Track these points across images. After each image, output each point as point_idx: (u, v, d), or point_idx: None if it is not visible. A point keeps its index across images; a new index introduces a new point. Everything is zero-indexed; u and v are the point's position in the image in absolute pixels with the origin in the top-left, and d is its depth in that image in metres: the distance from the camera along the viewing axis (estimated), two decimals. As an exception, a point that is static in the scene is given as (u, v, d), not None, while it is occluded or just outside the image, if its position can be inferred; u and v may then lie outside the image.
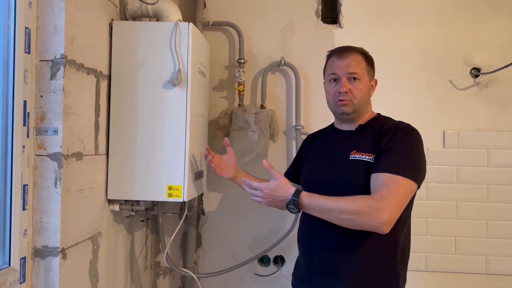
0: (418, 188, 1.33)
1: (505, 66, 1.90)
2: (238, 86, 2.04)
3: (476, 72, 2.04)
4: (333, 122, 1.57)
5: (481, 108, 2.05)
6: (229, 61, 2.14)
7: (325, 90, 1.50)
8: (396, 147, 1.32)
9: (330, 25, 2.12)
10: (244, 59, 2.05)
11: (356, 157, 1.38)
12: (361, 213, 1.23)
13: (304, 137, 2.08)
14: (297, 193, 1.30)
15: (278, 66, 2.07)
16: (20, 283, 1.23)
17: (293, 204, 1.30)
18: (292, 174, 1.68)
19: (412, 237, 1.87)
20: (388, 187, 1.25)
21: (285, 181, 1.33)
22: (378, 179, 1.28)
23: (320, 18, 2.12)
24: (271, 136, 2.06)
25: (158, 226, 1.80)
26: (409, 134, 1.37)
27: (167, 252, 1.82)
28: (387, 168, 1.28)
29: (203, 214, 2.16)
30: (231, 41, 2.14)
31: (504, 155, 2.02)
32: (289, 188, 1.31)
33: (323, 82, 1.52)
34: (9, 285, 1.18)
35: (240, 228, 2.14)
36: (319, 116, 2.10)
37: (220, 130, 2.07)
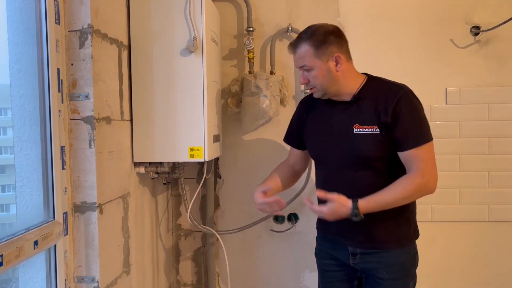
0: None
1: (504, 22, 1.98)
2: (248, 54, 2.13)
3: (476, 30, 2.12)
4: None
5: (481, 65, 2.14)
6: (238, 30, 2.23)
7: None
8: (407, 119, 1.44)
9: (335, -10, 2.19)
10: (252, 27, 2.13)
11: (360, 130, 1.49)
12: (415, 193, 1.45)
13: (313, 100, 2.20)
14: (355, 204, 1.41)
15: (286, 33, 2.16)
16: (64, 235, 1.36)
17: (355, 215, 1.41)
18: (294, 141, 1.75)
19: None
20: (422, 159, 1.43)
21: (342, 199, 1.42)
22: (409, 155, 1.44)
23: (324, -16, 2.19)
24: (281, 100, 2.16)
25: (180, 187, 1.92)
26: (409, 99, 1.47)
27: (189, 212, 1.95)
28: (413, 144, 1.43)
29: (220, 177, 2.29)
30: (239, 11, 2.22)
31: (504, 109, 2.12)
32: (348, 203, 1.42)
33: None
34: (55, 236, 1.30)
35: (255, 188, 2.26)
36: (326, 80, 2.20)
37: (232, 98, 2.18)
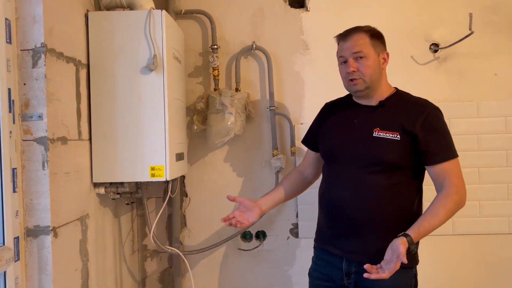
0: None
1: (460, 40, 2.04)
2: (213, 71, 2.12)
3: (435, 47, 2.18)
4: (349, 94, 1.66)
5: (441, 81, 2.19)
6: (203, 47, 2.22)
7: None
8: (439, 133, 1.49)
9: (297, 9, 2.22)
10: (217, 45, 2.14)
11: (380, 135, 1.49)
12: (455, 210, 1.45)
13: (279, 117, 2.21)
14: (408, 239, 1.34)
15: (250, 50, 2.17)
16: (15, 261, 1.31)
17: (414, 250, 1.37)
18: (312, 142, 1.74)
19: None
20: (454, 174, 1.47)
21: (394, 247, 1.34)
22: (442, 169, 1.47)
23: (287, 2, 2.21)
24: (247, 117, 2.16)
25: (143, 206, 1.88)
26: (439, 114, 1.53)
27: (153, 232, 1.91)
28: (445, 157, 1.47)
29: (186, 196, 2.25)
30: (203, 29, 2.22)
31: (465, 124, 2.17)
32: (400, 246, 1.32)
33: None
34: (5, 262, 1.25)
35: (222, 206, 2.23)
36: (291, 97, 2.21)
37: (198, 115, 2.16)
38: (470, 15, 1.94)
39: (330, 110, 1.70)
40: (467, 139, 2.18)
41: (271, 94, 2.17)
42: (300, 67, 2.21)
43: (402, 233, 1.37)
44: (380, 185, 1.48)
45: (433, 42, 2.18)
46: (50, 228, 1.36)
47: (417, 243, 1.45)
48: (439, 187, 1.47)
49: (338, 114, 1.65)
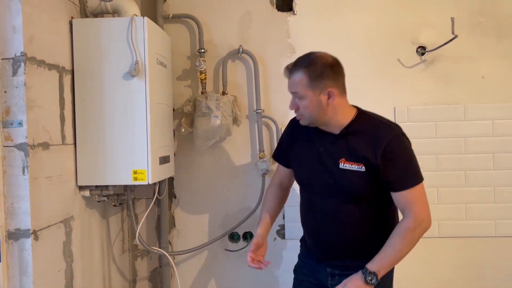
0: None
1: (446, 42, 2.04)
2: (200, 75, 2.15)
3: (422, 50, 2.18)
4: None
5: (428, 84, 2.19)
6: (191, 51, 2.25)
7: None
8: (398, 162, 1.44)
9: (284, 12, 2.23)
10: (204, 49, 2.16)
11: (346, 166, 1.48)
12: (414, 237, 1.44)
13: (266, 120, 2.23)
14: (367, 278, 1.41)
15: (237, 53, 2.19)
16: (-4, 263, 1.36)
17: (375, 283, 1.43)
18: (283, 160, 1.73)
19: None
20: (413, 202, 1.44)
21: (347, 285, 1.44)
22: (401, 197, 1.45)
23: (274, 6, 2.23)
24: (234, 120, 2.19)
25: (129, 208, 1.92)
26: (400, 141, 1.47)
27: (139, 233, 1.95)
28: (404, 185, 1.44)
29: (175, 197, 2.29)
30: (192, 33, 2.25)
31: (451, 126, 2.17)
32: (362, 283, 1.42)
33: None
34: (-15, 264, 1.30)
35: (210, 208, 2.27)
36: (278, 100, 2.23)
37: (185, 118, 2.19)
38: (452, 20, 1.95)
39: (298, 130, 1.64)
40: (454, 142, 2.18)
41: (258, 97, 2.19)
42: (287, 70, 2.22)
43: (364, 269, 1.43)
44: (354, 214, 1.51)
45: (420, 45, 2.18)
46: (31, 231, 1.41)
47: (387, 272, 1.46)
48: (402, 214, 1.48)
49: (305, 136, 1.62)
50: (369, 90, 2.19)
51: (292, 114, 2.19)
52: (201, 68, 2.12)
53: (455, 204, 2.20)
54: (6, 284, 1.40)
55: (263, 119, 2.21)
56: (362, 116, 1.53)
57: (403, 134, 1.50)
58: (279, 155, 1.75)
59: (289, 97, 2.18)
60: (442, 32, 2.14)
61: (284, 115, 2.22)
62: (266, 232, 1.70)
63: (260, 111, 2.18)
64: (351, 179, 1.48)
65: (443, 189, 2.19)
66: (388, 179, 1.45)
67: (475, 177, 2.18)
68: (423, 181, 1.47)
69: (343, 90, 1.50)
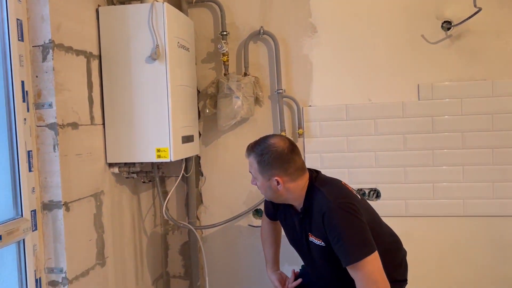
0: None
1: (471, 16, 1.98)
2: (222, 57, 2.22)
3: (447, 25, 2.12)
4: None
5: (453, 60, 2.14)
6: (214, 34, 2.33)
7: None
8: (334, 233, 1.45)
9: (306, -8, 2.25)
10: (226, 31, 2.23)
11: (313, 240, 1.57)
12: None
13: (288, 100, 2.28)
14: None
15: (258, 35, 2.24)
16: (33, 230, 1.52)
17: None
18: (273, 216, 1.85)
19: (392, 185, 2.13)
20: (358, 278, 1.42)
21: None
22: (350, 273, 1.45)
23: (296, -15, 2.25)
24: (256, 101, 2.25)
25: (155, 184, 2.05)
26: (333, 215, 1.45)
27: (166, 208, 2.08)
28: (346, 260, 1.44)
29: (202, 175, 2.40)
30: (215, 16, 2.32)
31: (477, 103, 2.12)
32: None
33: None
34: (22, 231, 1.46)
35: (235, 185, 2.36)
36: (300, 79, 2.26)
37: (210, 99, 2.28)
38: (475, -8, 1.88)
39: None
40: (481, 119, 2.12)
41: (279, 78, 2.23)
42: (308, 50, 2.25)
43: None
44: (336, 272, 1.53)
45: (445, 20, 2.13)
46: (62, 203, 1.55)
47: None
48: None
49: (284, 208, 1.71)
50: (392, 67, 2.18)
51: (315, 94, 2.24)
52: (223, 50, 2.19)
53: (479, 183, 2.15)
54: (43, 250, 1.56)
55: (284, 99, 2.26)
56: (311, 191, 1.57)
57: (339, 207, 1.46)
58: (268, 213, 1.88)
59: (310, 77, 2.25)
60: (468, 6, 2.06)
61: (305, 94, 2.26)
62: (278, 264, 1.89)
63: (281, 91, 2.22)
64: (319, 252, 1.56)
65: (469, 167, 2.15)
66: (337, 254, 1.47)
67: (506, 154, 2.12)
68: (373, 254, 1.40)
69: (296, 176, 1.55)
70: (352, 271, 1.44)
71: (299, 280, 1.82)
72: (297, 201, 1.60)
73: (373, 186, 2.23)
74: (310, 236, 1.58)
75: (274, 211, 1.80)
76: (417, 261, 2.17)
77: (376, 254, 1.42)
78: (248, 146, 1.63)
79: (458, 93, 2.13)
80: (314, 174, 1.64)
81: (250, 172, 1.63)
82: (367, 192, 2.24)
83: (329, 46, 2.23)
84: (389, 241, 1.68)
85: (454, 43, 2.13)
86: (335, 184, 1.62)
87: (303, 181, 1.58)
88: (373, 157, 2.22)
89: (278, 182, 1.54)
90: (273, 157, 1.53)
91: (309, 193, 1.57)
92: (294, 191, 1.57)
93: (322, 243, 1.52)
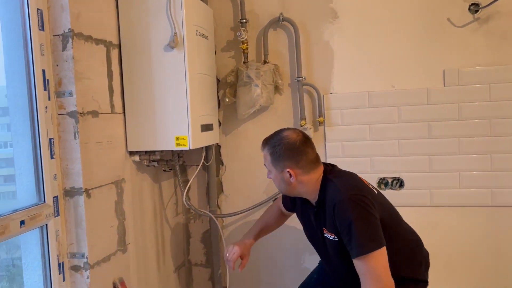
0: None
1: (499, -2, 1.89)
2: (242, 45, 2.21)
3: (475, 7, 2.03)
4: None
5: (481, 44, 2.05)
6: (234, 22, 2.31)
7: None
8: (343, 225, 1.43)
9: (326, -24, 2.20)
10: (245, 19, 2.20)
11: (327, 236, 1.55)
12: None
13: (308, 88, 2.24)
14: None
15: (277, 22, 2.21)
16: (55, 216, 1.55)
17: None
18: (289, 206, 1.86)
19: (416, 174, 2.08)
20: (361, 272, 1.41)
21: None
22: (356, 266, 1.44)
23: (316, -30, 2.20)
24: (276, 89, 2.23)
25: (176, 173, 2.06)
26: (344, 207, 1.44)
27: (186, 196, 2.09)
28: (353, 252, 1.42)
29: (222, 164, 2.40)
30: (234, 4, 2.30)
31: (507, 89, 2.02)
32: None
33: None
34: (44, 216, 1.50)
35: (255, 174, 2.35)
36: (320, 67, 2.22)
37: (230, 88, 2.27)
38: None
39: None
40: (511, 105, 2.03)
41: (299, 65, 2.20)
42: (329, 37, 2.20)
43: None
44: (351, 268, 1.49)
45: (473, 2, 2.04)
46: (83, 190, 1.59)
47: None
48: None
49: (301, 202, 1.70)
50: (417, 52, 2.11)
51: (336, 81, 2.19)
52: (243, 38, 2.17)
53: (508, 171, 2.06)
54: (65, 235, 1.60)
55: (304, 86, 2.22)
56: (325, 184, 1.56)
57: (350, 199, 1.44)
58: (285, 201, 1.86)
59: (330, 64, 2.20)
60: (498, -14, 1.98)
61: (325, 82, 2.22)
62: (249, 241, 1.89)
63: (301, 78, 2.19)
64: (333, 248, 1.54)
65: (497, 155, 2.06)
66: (347, 247, 1.45)
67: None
68: (380, 249, 1.38)
69: (308, 168, 1.56)
70: (357, 265, 1.43)
71: (243, 260, 1.86)
72: (312, 195, 1.59)
73: (396, 175, 2.18)
74: (324, 231, 1.57)
75: (292, 203, 1.81)
76: (442, 252, 2.13)
77: (383, 250, 1.40)
78: (264, 140, 1.65)
79: (486, 79, 2.04)
80: (329, 168, 1.64)
81: (265, 165, 1.64)
82: (390, 181, 2.19)
83: (350, 31, 2.18)
84: (409, 239, 1.64)
85: (482, 26, 2.04)
86: (349, 176, 1.61)
87: (317, 174, 1.58)
88: (397, 146, 2.16)
89: (290, 175, 1.55)
90: (285, 149, 1.55)
91: (323, 186, 1.56)
92: (307, 184, 1.57)
93: (335, 237, 1.51)
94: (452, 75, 2.08)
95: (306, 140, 1.58)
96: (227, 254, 1.84)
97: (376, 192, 1.59)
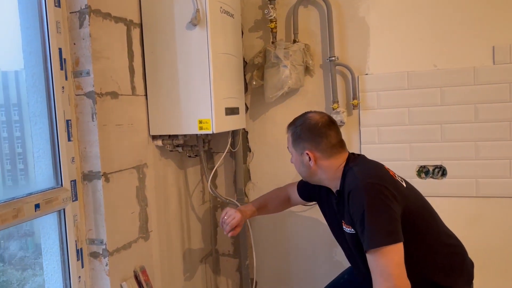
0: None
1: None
2: (270, 23, 2.08)
3: (531, -25, 1.82)
4: None
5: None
6: (262, 0, 2.18)
7: None
8: (360, 219, 1.31)
9: None
10: (274, -4, 2.08)
11: (346, 229, 1.46)
12: None
13: (341, 68, 2.09)
14: None
15: (308, -2, 2.07)
16: (73, 200, 1.50)
17: None
18: (305, 195, 1.79)
19: (460, 162, 1.91)
20: (372, 267, 1.29)
21: None
22: (368, 261, 1.32)
23: None
24: (306, 70, 2.09)
25: (200, 158, 1.98)
26: (361, 191, 1.32)
27: (211, 183, 2.00)
28: (365, 243, 1.30)
29: (250, 151, 2.30)
30: (262, -20, 2.18)
31: None
32: None
33: None
34: (61, 201, 1.44)
35: (284, 161, 2.23)
36: (354, 46, 2.07)
37: (257, 70, 2.16)
38: None
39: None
40: None
41: (331, 44, 2.05)
42: (364, 12, 2.04)
43: None
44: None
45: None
46: (101, 174, 1.52)
47: None
48: None
49: (325, 192, 1.62)
50: (462, 27, 1.92)
51: (372, 61, 2.04)
52: (270, 16, 2.05)
53: None
54: (84, 220, 1.55)
55: (337, 67, 2.07)
56: (346, 172, 1.45)
57: (366, 188, 1.32)
58: (301, 189, 1.78)
59: (366, 42, 2.04)
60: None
61: (360, 61, 2.06)
62: (248, 210, 1.79)
63: (334, 58, 2.04)
64: (352, 241, 1.43)
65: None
66: (360, 239, 1.33)
67: None
68: (394, 245, 1.25)
69: (329, 153, 1.47)
70: (368, 260, 1.31)
71: (237, 228, 1.76)
72: (333, 182, 1.49)
73: (438, 163, 2.00)
74: (343, 224, 1.46)
75: (311, 192, 1.71)
76: (489, 246, 1.94)
77: (398, 247, 1.26)
78: (289, 123, 1.58)
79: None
80: (354, 156, 1.52)
81: (287, 148, 1.57)
82: (431, 169, 2.02)
83: (388, 6, 2.00)
84: (445, 242, 1.47)
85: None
86: (372, 165, 1.48)
87: (339, 161, 1.47)
88: (439, 131, 1.98)
89: (310, 158, 1.48)
90: (305, 129, 1.50)
91: (344, 174, 1.46)
92: (328, 170, 1.48)
93: (352, 230, 1.39)
94: (502, 52, 1.88)
95: (330, 123, 1.50)
96: (226, 217, 1.75)
97: (405, 185, 1.44)
